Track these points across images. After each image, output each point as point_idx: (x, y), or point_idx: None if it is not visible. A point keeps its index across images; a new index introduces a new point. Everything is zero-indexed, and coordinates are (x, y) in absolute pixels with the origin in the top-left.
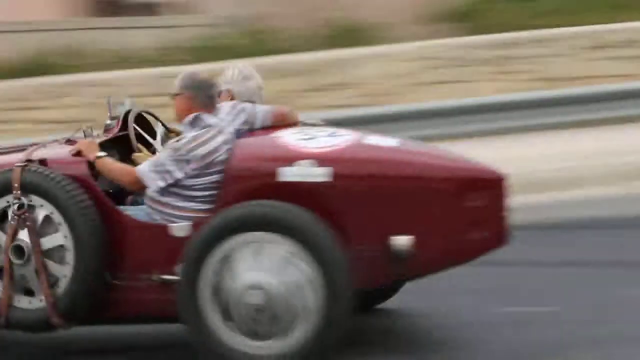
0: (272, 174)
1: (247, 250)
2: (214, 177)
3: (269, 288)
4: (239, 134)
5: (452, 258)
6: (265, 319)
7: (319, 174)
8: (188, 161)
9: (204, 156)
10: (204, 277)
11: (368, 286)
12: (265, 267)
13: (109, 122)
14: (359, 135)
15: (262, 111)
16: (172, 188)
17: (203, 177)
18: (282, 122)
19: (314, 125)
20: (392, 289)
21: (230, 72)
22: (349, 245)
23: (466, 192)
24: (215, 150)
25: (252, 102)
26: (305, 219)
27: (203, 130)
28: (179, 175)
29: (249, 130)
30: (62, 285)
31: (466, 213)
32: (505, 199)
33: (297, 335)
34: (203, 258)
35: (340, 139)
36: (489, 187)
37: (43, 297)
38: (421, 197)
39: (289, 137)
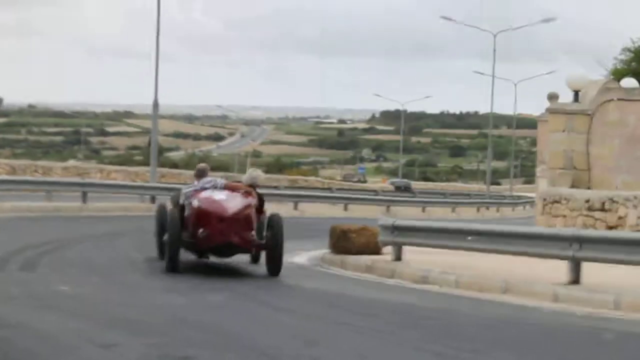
0: (191, 202)
1: None
2: (191, 200)
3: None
4: (204, 188)
5: (219, 240)
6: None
7: (196, 203)
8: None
9: (184, 193)
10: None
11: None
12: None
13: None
14: (215, 193)
15: (221, 182)
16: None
17: (189, 200)
18: (231, 187)
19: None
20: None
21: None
22: (189, 227)
23: (215, 218)
24: (188, 192)
25: (249, 184)
26: (170, 213)
27: (188, 185)
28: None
29: (213, 187)
30: None
31: (217, 224)
32: (231, 223)
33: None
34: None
35: (209, 193)
36: (225, 219)
37: None
38: (205, 216)
39: (204, 191)
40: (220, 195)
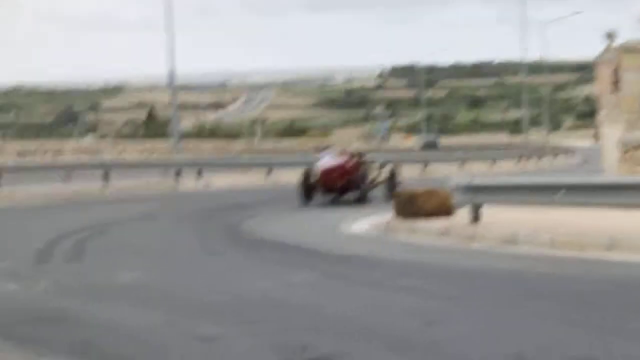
0: (314, 166)
1: None
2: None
3: None
4: (323, 157)
5: (320, 184)
6: None
7: (319, 167)
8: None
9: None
10: None
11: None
12: None
13: None
14: (326, 158)
15: (334, 152)
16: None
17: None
18: (340, 154)
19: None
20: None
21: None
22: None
23: (319, 172)
24: (317, 159)
25: (354, 152)
26: (304, 170)
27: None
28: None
29: (329, 155)
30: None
31: (320, 176)
32: (325, 175)
33: None
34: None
35: (322, 159)
36: (320, 172)
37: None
38: (316, 171)
39: (322, 158)
40: (325, 160)
